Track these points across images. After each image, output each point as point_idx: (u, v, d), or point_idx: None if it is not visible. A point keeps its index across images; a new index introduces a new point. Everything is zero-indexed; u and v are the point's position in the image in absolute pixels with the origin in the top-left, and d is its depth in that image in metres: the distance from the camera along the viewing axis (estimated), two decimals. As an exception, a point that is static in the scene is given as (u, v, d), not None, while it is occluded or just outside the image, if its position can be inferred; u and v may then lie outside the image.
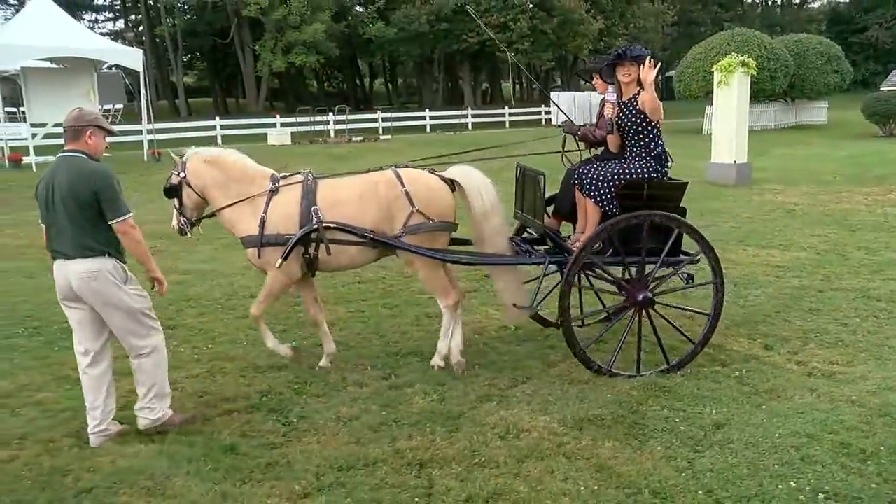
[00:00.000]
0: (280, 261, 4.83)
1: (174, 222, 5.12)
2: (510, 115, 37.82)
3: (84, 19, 57.74)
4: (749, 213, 11.14)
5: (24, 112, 22.17)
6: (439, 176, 5.08)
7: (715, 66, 14.81)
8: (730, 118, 14.50)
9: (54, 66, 22.97)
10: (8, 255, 9.04)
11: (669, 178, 5.06)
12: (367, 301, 6.78)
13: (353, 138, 27.68)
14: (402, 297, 6.85)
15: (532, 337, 5.90)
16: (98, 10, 61.93)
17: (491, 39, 39.32)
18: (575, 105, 34.79)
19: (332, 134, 30.21)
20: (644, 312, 4.99)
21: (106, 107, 35.76)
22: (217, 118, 30.32)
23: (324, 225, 4.79)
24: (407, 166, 5.18)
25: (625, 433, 4.22)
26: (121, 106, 37.92)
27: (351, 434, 4.23)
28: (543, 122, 37.96)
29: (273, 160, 19.85)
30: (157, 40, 50.56)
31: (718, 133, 14.89)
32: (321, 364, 5.19)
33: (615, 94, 5.08)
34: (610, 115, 5.10)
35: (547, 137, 6.98)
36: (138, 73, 21.59)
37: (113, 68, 32.14)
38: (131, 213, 4.13)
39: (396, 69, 66.81)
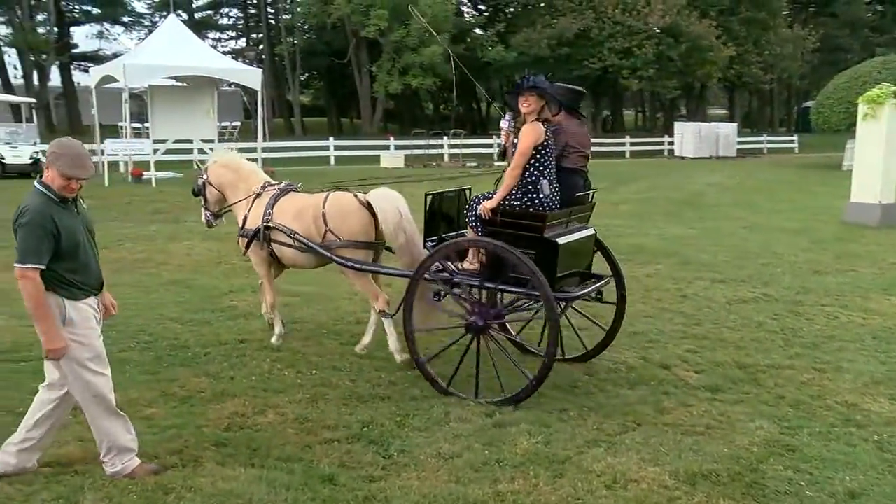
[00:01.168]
0: (243, 249, 6.44)
1: (202, 217, 6.80)
2: (631, 144, 37.28)
3: (208, 38, 61.25)
4: (895, 259, 10.51)
5: (148, 128, 23.70)
6: (360, 199, 6.05)
7: (861, 98, 14.07)
8: (875, 154, 13.73)
9: (178, 84, 24.50)
10: (125, 268, 9.61)
11: (540, 209, 5.12)
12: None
13: (468, 163, 28.00)
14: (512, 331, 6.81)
15: (645, 380, 5.75)
16: (222, 29, 65.59)
17: (615, 67, 38.95)
18: (700, 136, 33.96)
19: (446, 158, 30.66)
20: (483, 337, 5.29)
21: (223, 124, 37.70)
22: (331, 138, 31.41)
23: (265, 225, 6.21)
24: (347, 189, 6.45)
25: (742, 493, 4.03)
26: (238, 123, 39.89)
27: (451, 472, 4.22)
28: (666, 152, 37.21)
29: (383, 182, 20.29)
30: (276, 59, 53.07)
31: (861, 170, 14.12)
32: (272, 341, 6.39)
33: (510, 122, 5.51)
34: (504, 142, 5.63)
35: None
36: (256, 91, 22.67)
37: (232, 86, 33.94)
38: (34, 265, 3.79)
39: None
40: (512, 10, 49.47)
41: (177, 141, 22.74)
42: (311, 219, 6.07)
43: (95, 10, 51.67)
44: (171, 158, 23.86)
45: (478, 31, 47.42)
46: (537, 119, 5.18)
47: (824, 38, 51.12)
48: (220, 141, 26.23)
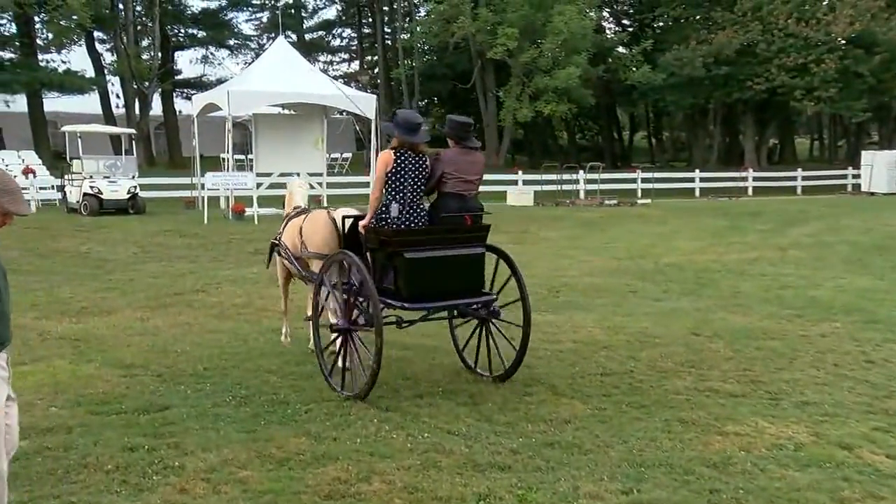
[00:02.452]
0: (267, 262, 8.93)
1: None
2: (804, 178, 36.04)
3: (319, 61, 63.92)
4: None
5: (251, 160, 24.82)
6: (330, 216, 7.59)
7: None
8: None
9: (285, 112, 25.63)
10: (224, 315, 10.08)
11: (393, 226, 6.69)
12: (611, 397, 6.72)
13: (606, 201, 27.83)
14: (652, 396, 6.72)
15: (818, 461, 5.51)
16: (334, 51, 68.20)
17: (786, 87, 37.89)
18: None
19: (581, 195, 30.58)
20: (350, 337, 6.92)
21: (333, 156, 39.12)
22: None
23: (272, 241, 8.49)
24: (326, 209, 8.13)
25: None
26: (349, 155, 41.31)
27: (578, 558, 4.19)
28: (850, 187, 35.73)
29: (510, 223, 20.42)
30: (393, 83, 54.68)
31: None
32: (281, 340, 8.54)
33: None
34: None
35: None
36: (370, 119, 23.39)
37: (344, 114, 35.18)
38: None
39: (662, 121, 66.45)
40: (661, 24, 49.22)
41: (282, 174, 23.73)
42: (296, 234, 7.89)
43: (201, 34, 55.03)
44: (275, 193, 24.91)
45: (621, 49, 47.38)
46: (395, 148, 6.77)
47: None
48: (329, 174, 27.24)
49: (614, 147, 61.52)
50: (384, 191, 6.77)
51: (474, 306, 7.21)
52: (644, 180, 32.55)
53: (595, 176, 30.86)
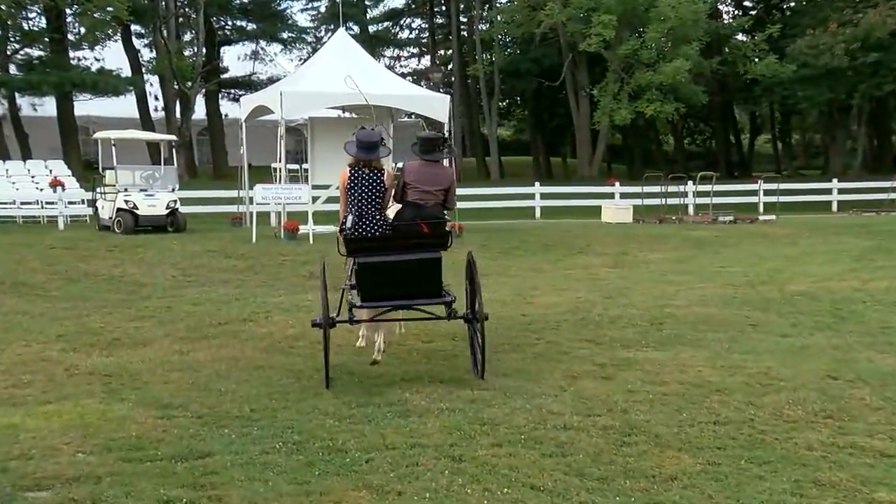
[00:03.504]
0: None
1: None
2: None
3: (384, 56, 64.62)
4: None
5: (307, 171, 25.11)
6: None
7: None
8: None
9: (346, 115, 25.91)
10: (275, 348, 10.22)
11: (348, 235, 8.70)
12: (726, 450, 6.58)
13: (721, 217, 27.47)
14: (778, 451, 6.56)
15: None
16: (402, 45, 68.80)
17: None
18: None
19: (690, 210, 30.26)
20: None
21: (400, 164, 39.34)
22: (537, 184, 32.02)
23: None
24: None
25: None
26: (419, 165, 41.61)
27: None
28: None
29: (605, 243, 20.35)
30: (469, 82, 54.99)
31: None
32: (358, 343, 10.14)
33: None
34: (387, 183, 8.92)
35: None
36: (443, 123, 23.53)
37: (413, 117, 35.35)
38: None
39: (791, 121, 65.34)
40: (791, 5, 48.52)
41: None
42: None
43: (250, 26, 56.09)
44: (333, 209, 25.19)
45: (740, 37, 46.84)
46: (351, 165, 8.88)
47: None
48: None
49: (731, 153, 60.74)
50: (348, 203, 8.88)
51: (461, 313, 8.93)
52: (767, 192, 32.04)
53: (707, 187, 30.49)
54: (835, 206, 33.13)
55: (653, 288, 14.78)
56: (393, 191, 8.96)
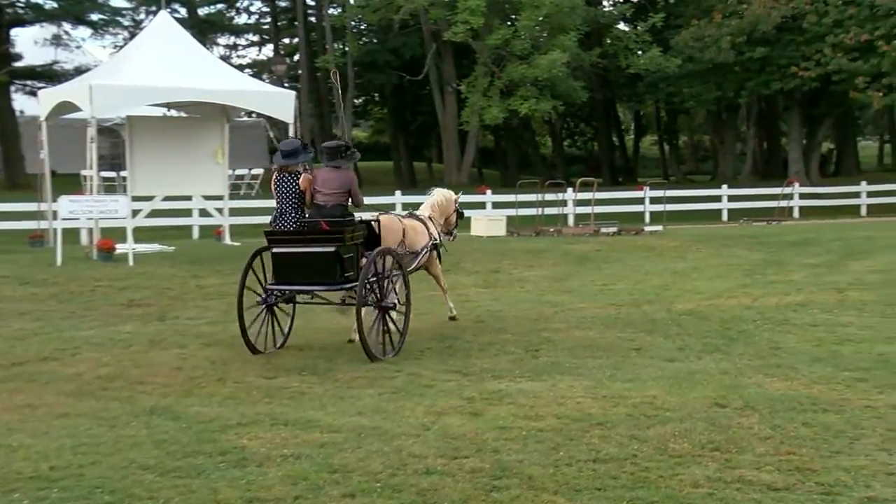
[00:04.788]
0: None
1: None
2: (869, 195, 36.79)
3: (218, 44, 63.63)
4: None
5: (125, 179, 24.52)
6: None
7: None
8: None
9: (172, 113, 25.47)
10: (84, 391, 9.97)
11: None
12: (606, 491, 6.79)
13: (604, 229, 28.11)
14: (662, 490, 6.80)
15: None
16: (238, 31, 67.61)
17: (843, 73, 38.49)
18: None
19: (570, 221, 30.86)
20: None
21: (238, 172, 38.82)
22: (398, 193, 32.10)
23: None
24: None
25: None
26: (260, 171, 41.13)
27: None
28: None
29: (475, 259, 20.58)
30: (318, 75, 54.53)
31: None
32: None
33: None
34: (303, 186, 12.08)
35: None
36: (288, 123, 23.28)
37: (253, 116, 34.90)
38: None
39: (678, 121, 67.38)
40: (675, -6, 50.04)
41: (167, 198, 23.51)
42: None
43: (50, 4, 53.77)
44: (157, 224, 24.74)
45: (622, 26, 48.16)
46: (277, 170, 12.18)
47: None
48: (233, 197, 27.09)
49: (614, 157, 62.33)
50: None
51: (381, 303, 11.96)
52: (654, 200, 32.95)
53: (588, 195, 31.14)
54: (725, 215, 34.30)
55: (528, 310, 15.12)
56: (308, 193, 12.05)
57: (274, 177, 12.18)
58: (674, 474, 7.14)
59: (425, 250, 13.76)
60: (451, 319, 14.17)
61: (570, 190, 32.07)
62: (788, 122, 49.32)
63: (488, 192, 32.82)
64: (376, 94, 63.26)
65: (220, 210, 24.62)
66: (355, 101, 57.44)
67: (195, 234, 27.30)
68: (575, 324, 13.64)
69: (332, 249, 11.59)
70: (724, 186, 36.42)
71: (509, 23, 40.19)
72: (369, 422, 8.57)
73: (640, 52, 43.19)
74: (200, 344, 12.34)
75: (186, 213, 26.50)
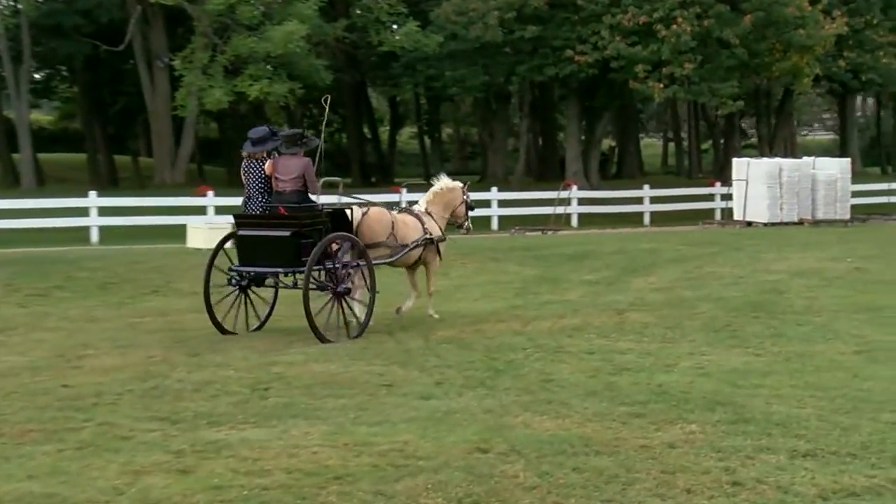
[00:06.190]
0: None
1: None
2: (653, 200, 38.18)
3: None
4: None
5: None
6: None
7: None
8: None
9: None
10: None
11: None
12: None
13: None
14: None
15: None
16: None
17: (622, 59, 39.98)
18: (781, 183, 34.85)
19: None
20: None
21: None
22: (92, 194, 31.20)
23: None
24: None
25: None
26: None
27: None
28: (719, 214, 38.28)
29: (194, 278, 20.33)
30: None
31: None
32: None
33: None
34: (269, 172, 15.23)
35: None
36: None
37: None
38: None
39: (440, 111, 68.27)
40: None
41: None
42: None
43: None
44: None
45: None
46: (246, 157, 15.44)
47: None
48: None
49: (366, 152, 62.67)
50: None
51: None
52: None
53: (333, 198, 31.20)
54: (494, 224, 35.01)
55: (257, 340, 15.07)
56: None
57: (243, 163, 15.38)
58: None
59: (415, 244, 16.44)
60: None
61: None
62: (566, 115, 50.67)
63: (210, 193, 32.35)
64: (63, 68, 60.65)
65: None
66: (34, 75, 55.20)
67: None
68: (314, 356, 13.61)
69: (288, 234, 14.53)
70: (494, 189, 37.00)
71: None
72: (42, 488, 8.26)
73: (394, 27, 43.46)
74: None
75: None
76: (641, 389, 11.49)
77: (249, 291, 15.90)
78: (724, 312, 17.13)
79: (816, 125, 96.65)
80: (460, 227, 18.44)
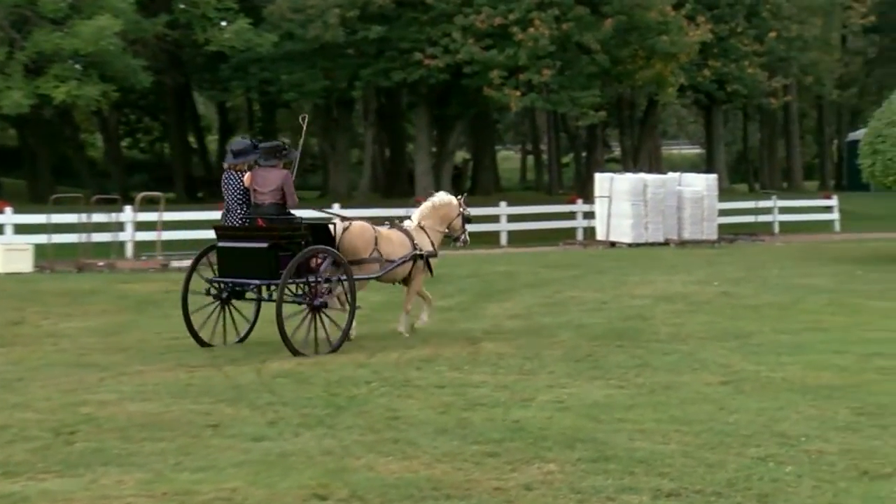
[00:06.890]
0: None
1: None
2: (510, 219, 38.46)
3: None
4: None
5: None
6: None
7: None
8: None
9: None
10: None
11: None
12: None
13: (175, 262, 27.94)
14: None
15: None
16: None
17: (476, 64, 40.22)
18: (645, 201, 35.39)
19: (128, 251, 30.50)
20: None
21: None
22: None
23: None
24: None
25: None
26: None
27: None
28: (581, 233, 38.74)
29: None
30: None
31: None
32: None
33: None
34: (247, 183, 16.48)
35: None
36: None
37: None
38: None
39: (276, 118, 68.09)
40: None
41: None
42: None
43: None
44: None
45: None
46: (227, 169, 16.84)
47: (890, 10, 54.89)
48: None
49: (191, 164, 62.15)
50: None
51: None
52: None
53: (153, 216, 30.89)
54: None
55: (64, 376, 14.68)
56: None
57: (223, 175, 16.67)
58: None
59: (402, 261, 17.48)
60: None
61: (128, 208, 31.57)
62: (416, 126, 50.84)
63: (8, 209, 31.55)
64: None
65: None
66: None
67: None
68: (130, 394, 13.37)
69: (265, 246, 15.82)
70: (337, 206, 36.94)
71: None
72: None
73: (223, 24, 43.09)
74: None
75: None
76: (496, 426, 11.50)
77: (230, 305, 17.10)
78: (585, 341, 17.34)
79: (682, 138, 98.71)
80: (456, 240, 19.19)
